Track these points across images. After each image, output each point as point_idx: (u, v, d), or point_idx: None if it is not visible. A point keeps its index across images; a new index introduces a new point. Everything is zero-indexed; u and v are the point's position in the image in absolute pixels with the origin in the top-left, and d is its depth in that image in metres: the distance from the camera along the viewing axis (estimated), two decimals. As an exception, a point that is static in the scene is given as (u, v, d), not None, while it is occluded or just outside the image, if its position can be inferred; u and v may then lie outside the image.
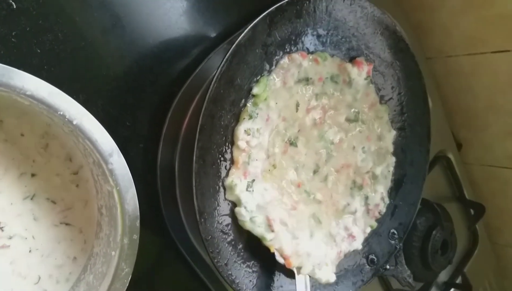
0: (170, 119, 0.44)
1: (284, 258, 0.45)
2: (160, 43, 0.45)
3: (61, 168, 0.36)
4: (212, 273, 0.47)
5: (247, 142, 0.42)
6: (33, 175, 0.35)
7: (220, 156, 0.41)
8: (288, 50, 0.44)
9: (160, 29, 0.45)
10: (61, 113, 0.30)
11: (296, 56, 0.44)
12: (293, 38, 0.44)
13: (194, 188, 0.37)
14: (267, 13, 0.40)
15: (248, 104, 0.42)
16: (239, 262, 0.42)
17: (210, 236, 0.39)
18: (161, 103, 0.45)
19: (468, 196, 0.76)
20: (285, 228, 0.45)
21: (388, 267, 0.54)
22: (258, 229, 0.43)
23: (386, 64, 0.51)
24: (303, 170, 0.48)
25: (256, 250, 0.44)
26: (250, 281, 0.43)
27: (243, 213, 0.42)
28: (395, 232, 0.55)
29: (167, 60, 0.46)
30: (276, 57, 0.43)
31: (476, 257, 0.79)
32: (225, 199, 0.42)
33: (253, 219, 0.43)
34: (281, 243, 0.44)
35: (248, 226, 0.43)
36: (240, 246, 0.43)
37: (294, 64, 0.44)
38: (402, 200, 0.56)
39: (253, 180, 0.43)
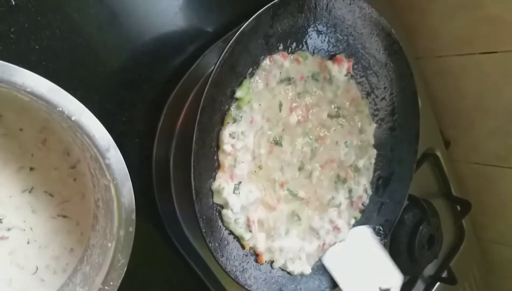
0: (166, 115, 0.45)
1: (257, 255, 0.46)
2: (156, 40, 0.46)
3: (59, 162, 0.37)
4: (205, 265, 0.48)
5: (232, 145, 0.43)
6: (31, 169, 0.36)
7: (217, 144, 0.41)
8: (288, 43, 0.44)
9: (156, 26, 0.46)
10: (60, 109, 0.31)
11: (277, 57, 0.45)
12: (294, 31, 0.44)
13: (192, 168, 0.38)
14: (271, 5, 0.41)
15: (231, 108, 0.42)
16: (231, 244, 0.44)
17: (204, 216, 0.40)
18: (157, 99, 0.46)
19: (455, 192, 0.78)
20: (261, 228, 0.47)
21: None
22: (239, 230, 0.44)
23: (381, 64, 0.52)
24: (288, 168, 0.49)
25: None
26: (240, 264, 0.44)
27: (229, 215, 0.43)
28: (381, 228, 0.57)
29: (163, 57, 0.47)
30: (276, 49, 0.44)
31: (462, 252, 0.81)
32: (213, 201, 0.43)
33: (236, 221, 0.44)
34: (256, 241, 0.46)
35: (232, 227, 0.44)
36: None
37: (276, 65, 0.45)
38: (389, 197, 0.57)
39: (240, 182, 0.44)
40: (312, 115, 0.49)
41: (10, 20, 0.37)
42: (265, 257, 0.46)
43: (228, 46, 0.37)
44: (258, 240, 0.45)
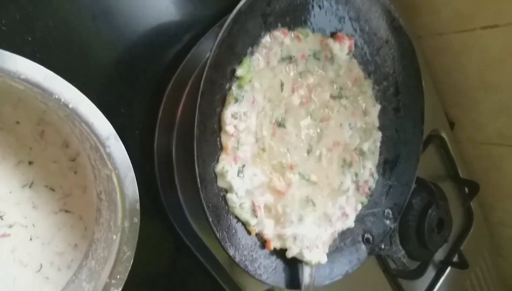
0: (165, 105, 0.44)
1: (265, 241, 0.45)
2: (151, 29, 0.45)
3: (58, 155, 0.36)
4: (210, 254, 0.47)
5: (235, 126, 0.41)
6: (30, 163, 0.35)
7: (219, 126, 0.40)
8: (286, 21, 0.43)
9: (150, 16, 0.45)
10: (56, 96, 0.30)
11: (277, 33, 0.43)
12: (292, 9, 0.43)
13: (195, 154, 0.37)
14: None
15: (233, 88, 0.41)
16: (238, 233, 0.42)
17: (210, 204, 0.39)
18: (155, 89, 0.45)
19: (462, 174, 0.76)
20: (268, 214, 0.45)
21: (383, 246, 0.55)
22: (244, 215, 0.43)
23: (382, 42, 0.51)
24: (296, 151, 0.47)
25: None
26: (249, 253, 0.43)
27: (234, 200, 0.42)
28: (390, 212, 0.55)
29: (159, 47, 0.46)
30: (274, 29, 0.43)
31: (471, 235, 0.80)
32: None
33: (241, 205, 0.43)
34: (263, 227, 0.44)
35: (237, 212, 0.43)
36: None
37: (276, 42, 0.43)
38: (396, 180, 0.56)
39: (243, 165, 0.43)
40: (315, 96, 0.48)
41: (1, 12, 0.36)
42: (275, 244, 0.45)
43: (225, 25, 0.36)
44: (266, 226, 0.44)
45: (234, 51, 0.39)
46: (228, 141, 0.41)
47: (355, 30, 0.49)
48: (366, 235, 0.53)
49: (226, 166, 0.41)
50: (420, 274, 0.69)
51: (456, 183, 0.76)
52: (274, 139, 0.46)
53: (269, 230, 0.45)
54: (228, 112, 0.41)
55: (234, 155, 0.42)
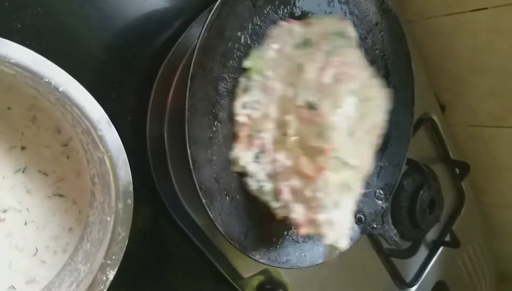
0: (156, 90, 0.44)
1: (296, 226, 0.43)
2: (141, 15, 0.45)
3: (51, 140, 0.37)
4: (206, 238, 0.48)
5: (248, 116, 0.41)
6: (23, 148, 0.36)
7: (212, 109, 0.40)
8: (276, 5, 0.43)
9: (140, 1, 0.45)
10: (47, 80, 0.30)
11: (283, 23, 0.43)
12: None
13: (187, 136, 0.37)
14: None
15: (241, 79, 0.41)
16: (234, 214, 0.43)
17: (203, 186, 0.39)
18: (146, 75, 0.45)
19: (453, 156, 0.77)
20: (296, 198, 0.44)
21: (375, 226, 0.56)
22: (265, 197, 0.43)
23: (372, 25, 0.51)
24: (333, 133, 0.43)
25: (255, 202, 0.44)
26: (243, 233, 0.43)
27: (251, 183, 0.42)
28: (381, 192, 0.56)
29: (149, 32, 0.46)
30: (265, 11, 0.43)
31: (463, 216, 0.81)
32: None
33: (261, 189, 0.43)
34: (289, 212, 0.43)
35: (256, 193, 0.43)
36: (238, 197, 0.43)
37: (284, 30, 0.43)
38: (387, 161, 0.57)
39: (261, 151, 0.43)
40: (350, 73, 0.45)
41: (-11, -1, 0.36)
42: (309, 230, 0.43)
43: (214, 8, 0.37)
44: (294, 211, 0.43)
45: (223, 35, 0.40)
46: (240, 131, 0.41)
47: (345, 13, 0.50)
48: (358, 215, 0.53)
49: (239, 153, 0.41)
50: (412, 253, 0.70)
51: (447, 164, 0.77)
52: (303, 123, 0.43)
53: (298, 215, 0.43)
54: (238, 103, 0.41)
55: (249, 143, 0.42)
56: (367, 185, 0.55)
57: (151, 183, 0.46)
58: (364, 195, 0.54)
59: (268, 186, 0.43)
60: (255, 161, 0.42)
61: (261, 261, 0.44)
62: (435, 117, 0.73)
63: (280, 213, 0.44)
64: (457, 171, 0.78)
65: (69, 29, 0.41)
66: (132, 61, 0.45)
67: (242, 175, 0.43)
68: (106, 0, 0.43)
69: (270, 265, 0.46)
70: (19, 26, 0.38)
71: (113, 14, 0.43)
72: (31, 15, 0.39)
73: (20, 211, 0.36)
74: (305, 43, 0.44)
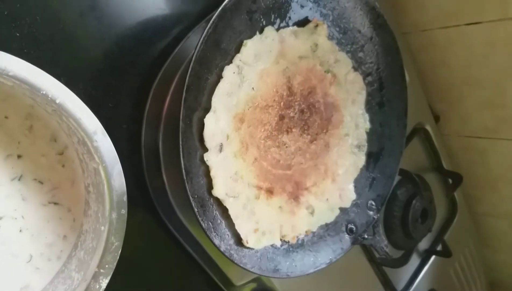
0: (152, 99, 0.45)
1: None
2: (139, 24, 0.46)
3: (47, 149, 0.37)
4: (199, 246, 0.48)
5: None
6: (19, 156, 0.36)
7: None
8: (272, 19, 0.44)
9: (138, 10, 0.45)
10: (44, 92, 0.31)
11: None
12: (277, 7, 0.44)
13: (180, 147, 0.37)
14: None
15: None
16: (224, 223, 0.44)
17: (196, 195, 0.40)
18: (143, 83, 0.46)
19: (446, 166, 0.78)
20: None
21: (366, 236, 0.56)
22: None
23: (366, 39, 0.52)
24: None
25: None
26: (234, 242, 0.44)
27: None
28: (373, 203, 0.57)
29: (147, 41, 0.46)
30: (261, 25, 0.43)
31: (455, 225, 0.82)
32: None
33: None
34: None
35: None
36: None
37: None
38: (380, 172, 0.57)
39: None
40: None
41: (-12, 8, 0.37)
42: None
43: (211, 22, 0.37)
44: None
45: (219, 47, 0.40)
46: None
47: (339, 28, 0.50)
48: (349, 225, 0.54)
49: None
50: (404, 262, 0.71)
51: (440, 175, 0.78)
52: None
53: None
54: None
55: None
56: (359, 195, 0.55)
57: (145, 190, 0.47)
58: (356, 205, 0.55)
59: None
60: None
61: (252, 270, 0.44)
62: (428, 128, 0.74)
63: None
64: (450, 181, 0.79)
65: (67, 38, 0.42)
66: (129, 70, 0.45)
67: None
68: (104, 10, 0.43)
69: (261, 275, 0.46)
70: (18, 34, 0.39)
71: (111, 23, 0.44)
72: (29, 23, 0.39)
73: (16, 218, 0.37)
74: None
